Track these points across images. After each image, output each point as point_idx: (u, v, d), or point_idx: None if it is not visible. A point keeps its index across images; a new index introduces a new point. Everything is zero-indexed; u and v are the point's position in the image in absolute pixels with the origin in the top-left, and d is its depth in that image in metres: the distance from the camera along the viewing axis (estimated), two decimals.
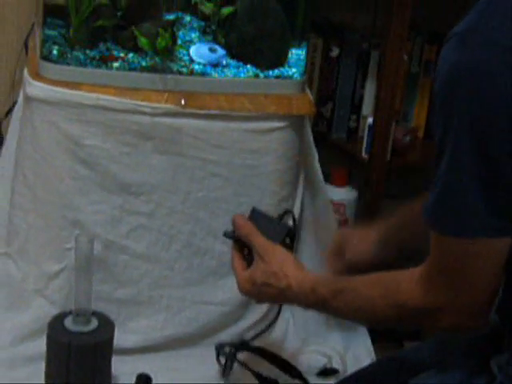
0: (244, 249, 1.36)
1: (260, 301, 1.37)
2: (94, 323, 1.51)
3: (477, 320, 1.04)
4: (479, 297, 1.02)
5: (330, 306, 1.20)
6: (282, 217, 1.41)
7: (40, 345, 1.56)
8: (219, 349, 1.62)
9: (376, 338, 1.86)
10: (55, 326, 1.51)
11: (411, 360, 1.31)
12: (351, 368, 1.64)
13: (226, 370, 1.61)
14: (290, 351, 1.77)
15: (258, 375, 1.63)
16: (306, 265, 1.75)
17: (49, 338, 1.50)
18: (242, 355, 1.62)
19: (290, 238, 1.38)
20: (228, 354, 1.60)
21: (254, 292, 1.31)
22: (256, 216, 1.38)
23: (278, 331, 1.80)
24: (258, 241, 1.32)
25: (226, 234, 1.39)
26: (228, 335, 1.75)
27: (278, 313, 1.52)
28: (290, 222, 1.44)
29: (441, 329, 1.09)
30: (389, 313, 1.11)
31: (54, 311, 1.60)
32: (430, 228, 1.02)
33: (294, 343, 1.81)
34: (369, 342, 1.83)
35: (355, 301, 1.16)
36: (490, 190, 0.97)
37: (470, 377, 1.11)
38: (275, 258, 1.29)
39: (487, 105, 0.94)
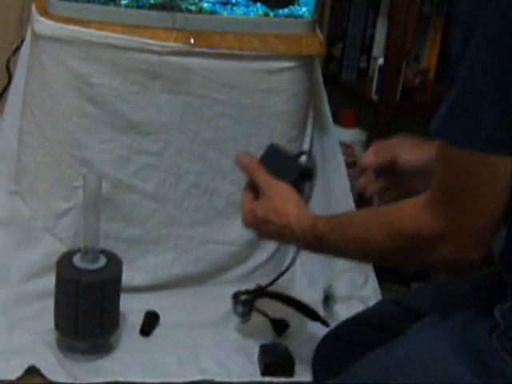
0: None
1: (261, 236, 1.36)
2: (103, 261, 1.52)
3: (478, 250, 1.01)
4: (482, 222, 1.00)
5: (327, 242, 1.19)
6: (297, 156, 1.38)
7: (49, 282, 1.57)
8: (236, 297, 1.62)
9: (383, 278, 1.87)
10: (64, 264, 1.52)
11: (413, 303, 1.31)
12: (358, 308, 1.65)
13: (244, 317, 1.62)
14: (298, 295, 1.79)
15: (271, 319, 1.64)
16: (314, 205, 1.77)
17: (57, 275, 1.51)
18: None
19: (302, 179, 1.35)
20: (245, 301, 1.60)
21: (255, 225, 1.31)
22: (271, 153, 1.36)
23: (285, 277, 1.81)
24: (262, 177, 1.31)
25: None
26: (235, 275, 1.76)
27: (295, 258, 1.51)
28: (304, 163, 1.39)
29: (439, 261, 1.07)
30: (387, 243, 1.09)
31: (63, 249, 1.61)
32: (439, 137, 0.99)
33: (302, 288, 1.82)
34: (375, 282, 1.84)
35: (352, 232, 1.15)
36: (507, 106, 0.94)
37: (473, 323, 1.11)
38: (278, 195, 1.28)
39: None
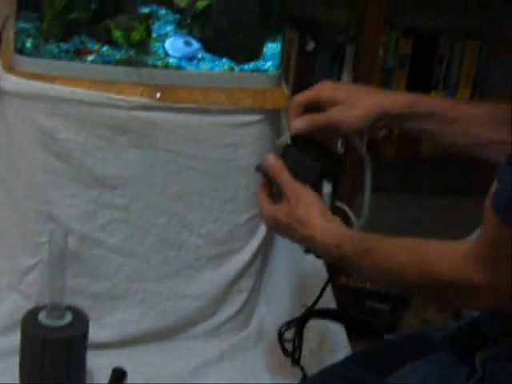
0: (273, 185, 1.30)
1: (282, 236, 1.32)
2: (69, 317, 1.51)
3: (509, 303, 1.02)
4: None
5: (353, 264, 1.16)
6: (316, 157, 1.32)
7: (14, 339, 1.55)
8: (282, 332, 1.48)
9: (353, 330, 1.87)
10: (29, 321, 1.50)
11: (387, 355, 1.31)
12: (327, 361, 1.64)
13: (294, 354, 1.48)
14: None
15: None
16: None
17: (23, 332, 1.50)
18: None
19: (320, 181, 1.30)
20: (295, 332, 1.46)
21: (278, 230, 1.27)
22: (289, 153, 1.31)
23: (254, 324, 1.80)
24: (286, 181, 1.25)
25: (258, 169, 1.33)
26: (203, 329, 1.75)
27: (330, 277, 1.41)
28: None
29: (474, 306, 1.07)
30: (419, 281, 1.08)
31: (28, 305, 1.59)
32: (499, 217, 0.97)
33: (270, 336, 1.81)
34: (345, 335, 1.84)
35: (382, 264, 1.12)
36: None
37: (451, 370, 1.11)
38: (301, 203, 1.23)
39: None
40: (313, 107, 1.32)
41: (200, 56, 1.68)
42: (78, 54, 1.62)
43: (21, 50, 1.61)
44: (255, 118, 1.68)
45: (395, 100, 1.30)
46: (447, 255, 1.05)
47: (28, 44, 1.61)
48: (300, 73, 2.14)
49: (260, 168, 1.33)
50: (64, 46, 1.61)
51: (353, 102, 1.29)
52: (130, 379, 1.62)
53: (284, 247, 1.82)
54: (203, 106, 1.64)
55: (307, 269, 1.80)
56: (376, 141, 2.10)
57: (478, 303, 1.04)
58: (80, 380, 1.52)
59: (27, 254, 1.65)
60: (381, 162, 2.24)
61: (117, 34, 1.61)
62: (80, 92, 1.59)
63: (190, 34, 1.71)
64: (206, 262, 1.73)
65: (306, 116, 1.30)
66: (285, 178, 1.26)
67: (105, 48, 1.63)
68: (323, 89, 1.33)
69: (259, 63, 1.71)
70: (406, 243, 1.13)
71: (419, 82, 2.20)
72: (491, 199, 0.98)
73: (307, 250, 1.30)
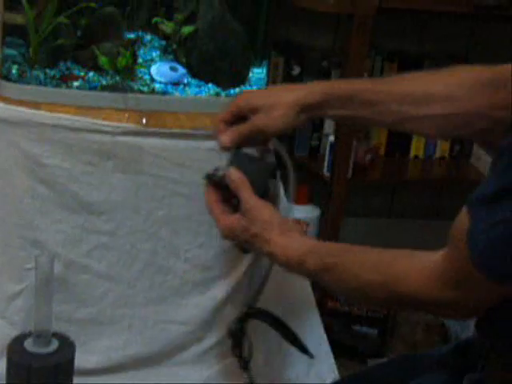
0: (221, 191, 1.32)
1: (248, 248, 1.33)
2: (55, 344, 1.50)
3: (476, 315, 1.06)
4: (485, 305, 1.03)
5: (319, 279, 1.17)
6: (262, 156, 1.36)
7: None
8: (232, 332, 1.49)
9: (339, 354, 1.87)
10: (15, 348, 1.49)
11: (375, 380, 1.30)
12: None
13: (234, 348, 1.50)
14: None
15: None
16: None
17: (9, 359, 1.48)
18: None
19: (271, 180, 1.34)
20: (238, 329, 1.48)
21: (235, 242, 1.29)
22: (239, 157, 1.33)
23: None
24: (245, 196, 1.27)
25: (207, 177, 1.35)
26: (190, 355, 1.74)
27: (268, 273, 1.42)
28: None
29: (435, 315, 1.09)
30: (385, 299, 1.11)
31: (14, 332, 1.57)
32: (478, 268, 0.98)
33: (257, 361, 1.80)
34: (332, 359, 1.83)
35: (349, 282, 1.13)
36: None
37: None
38: (259, 218, 1.24)
39: None
40: (240, 120, 1.34)
41: (186, 81, 1.69)
42: (64, 80, 1.62)
43: (7, 77, 1.61)
44: None
45: (311, 90, 1.32)
46: (413, 275, 1.06)
47: (14, 70, 1.61)
48: None
49: (210, 177, 1.34)
50: (50, 72, 1.62)
51: (271, 104, 1.31)
52: None
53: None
54: (189, 131, 1.65)
55: (295, 294, 1.80)
56: (362, 166, 2.12)
57: (446, 316, 1.07)
58: None
59: (13, 280, 1.65)
60: (366, 187, 2.25)
61: (102, 60, 1.62)
62: (66, 118, 1.59)
63: (176, 59, 1.72)
64: (192, 287, 1.72)
65: (230, 129, 1.34)
66: (246, 194, 1.27)
67: (91, 74, 1.64)
68: (241, 99, 1.36)
69: (245, 88, 1.72)
70: (373, 260, 1.13)
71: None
72: (464, 234, 0.99)
73: (246, 251, 1.33)
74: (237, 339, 1.49)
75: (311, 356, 1.54)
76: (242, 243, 1.29)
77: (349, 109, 1.30)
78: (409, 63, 2.19)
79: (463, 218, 0.99)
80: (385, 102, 1.28)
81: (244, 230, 1.25)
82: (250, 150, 1.36)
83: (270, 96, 1.34)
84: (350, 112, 1.30)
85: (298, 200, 2.12)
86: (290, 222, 1.28)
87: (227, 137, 1.34)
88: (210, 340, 1.76)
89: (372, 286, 1.10)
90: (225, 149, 1.35)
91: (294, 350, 1.80)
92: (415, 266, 1.07)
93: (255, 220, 1.24)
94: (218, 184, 1.34)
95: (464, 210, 1.00)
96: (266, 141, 1.38)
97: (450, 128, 1.26)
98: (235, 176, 1.30)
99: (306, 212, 2.14)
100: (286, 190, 1.37)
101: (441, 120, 1.26)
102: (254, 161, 1.34)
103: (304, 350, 1.56)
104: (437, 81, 1.28)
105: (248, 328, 1.49)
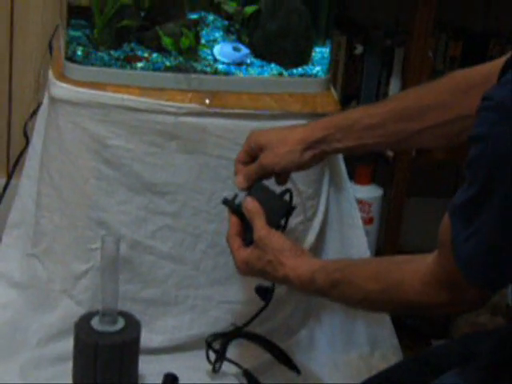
0: (242, 222, 1.37)
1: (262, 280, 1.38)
2: (121, 323, 1.52)
3: (479, 307, 1.08)
4: (481, 301, 1.05)
5: (329, 296, 1.22)
6: (282, 195, 1.41)
7: (67, 345, 1.56)
8: (210, 342, 1.61)
9: (403, 336, 1.85)
10: (82, 326, 1.51)
11: (437, 360, 1.30)
12: (379, 367, 1.63)
13: (215, 366, 1.61)
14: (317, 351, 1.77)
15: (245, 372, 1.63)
16: None
17: (76, 338, 1.51)
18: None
19: (286, 218, 1.39)
20: (219, 347, 1.60)
21: (252, 274, 1.33)
22: (259, 191, 1.38)
23: (304, 331, 1.80)
24: (258, 225, 1.31)
25: (225, 202, 1.40)
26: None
27: (269, 298, 1.49)
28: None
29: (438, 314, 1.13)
30: (389, 306, 1.16)
31: (81, 311, 1.60)
32: (462, 273, 1.01)
33: (321, 342, 1.80)
34: (396, 340, 1.82)
35: (354, 294, 1.17)
36: None
37: (493, 378, 1.11)
38: (271, 246, 1.28)
39: None
40: (254, 159, 1.41)
41: (249, 61, 1.69)
42: (128, 61, 1.63)
43: (72, 58, 1.62)
44: (304, 122, 1.67)
45: (314, 127, 1.38)
46: (409, 280, 1.09)
47: (79, 52, 1.62)
48: (348, 77, 2.13)
49: (228, 203, 1.40)
50: (114, 53, 1.63)
51: (277, 142, 1.37)
52: None
53: (334, 252, 1.81)
54: (252, 112, 1.64)
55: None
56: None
57: (448, 312, 1.10)
58: None
59: (79, 260, 1.67)
60: (430, 166, 2.22)
61: (166, 41, 1.62)
62: (130, 99, 1.60)
63: (239, 39, 1.71)
64: None
65: (241, 172, 1.41)
66: (259, 224, 1.32)
67: (154, 55, 1.64)
68: (250, 139, 1.42)
69: (308, 68, 1.71)
70: (373, 269, 1.17)
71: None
72: (449, 241, 1.00)
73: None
74: (218, 356, 1.61)
75: (298, 372, 1.65)
76: (258, 275, 1.32)
77: (351, 138, 1.34)
78: (474, 41, 2.15)
79: (446, 223, 1.01)
80: (382, 124, 1.31)
81: (258, 259, 1.29)
82: (270, 185, 1.42)
83: (276, 134, 1.40)
84: (354, 141, 1.34)
85: (360, 180, 2.10)
86: (300, 247, 1.33)
87: (240, 178, 1.40)
88: (274, 320, 1.76)
89: (374, 295, 1.13)
90: (241, 189, 1.41)
91: (357, 331, 1.81)
92: (411, 271, 1.10)
93: (267, 247, 1.29)
94: (235, 211, 1.38)
95: (446, 217, 1.02)
96: (283, 178, 1.43)
97: (450, 136, 1.26)
98: (251, 205, 1.35)
99: (369, 192, 2.12)
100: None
101: (439, 130, 1.26)
102: (273, 195, 1.39)
103: (292, 366, 1.65)
104: (429, 91, 1.29)
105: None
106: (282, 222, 1.39)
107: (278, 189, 1.43)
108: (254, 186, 1.39)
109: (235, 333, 1.63)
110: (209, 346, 1.62)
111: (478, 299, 1.05)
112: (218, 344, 1.62)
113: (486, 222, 0.96)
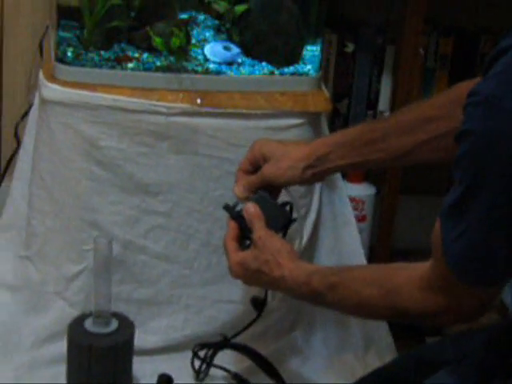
0: (240, 229, 1.37)
1: (250, 285, 1.38)
2: (114, 324, 1.51)
3: (479, 314, 1.06)
4: (483, 300, 1.04)
5: (324, 300, 1.21)
6: (283, 206, 1.41)
7: (61, 347, 1.56)
8: (196, 351, 1.61)
9: (397, 334, 1.85)
10: (75, 328, 1.51)
11: (431, 357, 1.30)
12: (373, 365, 1.63)
13: (200, 375, 1.62)
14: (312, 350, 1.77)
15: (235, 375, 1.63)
16: (325, 262, 1.76)
17: (69, 340, 1.51)
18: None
19: (285, 229, 1.40)
20: (204, 356, 1.60)
21: (246, 277, 1.32)
22: (261, 199, 1.38)
23: (298, 331, 1.80)
24: (257, 226, 1.32)
25: (226, 208, 1.40)
26: (249, 334, 1.74)
27: (262, 309, 1.51)
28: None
29: (438, 324, 1.11)
30: (386, 313, 1.15)
31: (74, 313, 1.60)
32: (454, 272, 1.01)
33: (315, 342, 1.80)
34: (390, 338, 1.82)
35: (351, 298, 1.17)
36: None
37: (489, 374, 1.11)
38: (270, 246, 1.28)
39: None
40: (257, 169, 1.41)
41: (240, 60, 1.68)
42: (119, 61, 1.63)
43: (62, 59, 1.62)
44: (296, 121, 1.67)
45: (316, 144, 1.38)
46: (406, 287, 1.09)
47: (69, 53, 1.62)
48: (339, 75, 2.13)
49: (229, 209, 1.40)
50: (105, 54, 1.62)
51: (280, 155, 1.38)
52: None
53: (327, 251, 1.81)
54: (244, 111, 1.64)
55: None
56: None
57: (445, 323, 1.09)
58: None
59: (72, 262, 1.66)
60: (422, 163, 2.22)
61: (156, 41, 1.62)
62: (121, 99, 1.60)
63: (229, 38, 1.71)
64: None
65: (241, 181, 1.41)
66: (258, 225, 1.32)
67: (145, 55, 1.64)
68: (254, 148, 1.42)
69: (299, 66, 1.71)
70: (371, 275, 1.17)
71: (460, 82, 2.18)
72: (440, 244, 1.01)
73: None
74: (204, 365, 1.61)
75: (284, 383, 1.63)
76: (252, 276, 1.31)
77: (353, 154, 1.34)
78: (465, 38, 2.15)
79: (438, 227, 1.01)
80: (384, 138, 1.31)
81: (255, 259, 1.29)
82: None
83: (280, 147, 1.40)
84: (356, 158, 1.34)
85: (353, 178, 2.10)
86: (297, 253, 1.32)
87: (240, 188, 1.41)
88: (268, 319, 1.76)
89: (372, 300, 1.13)
90: (240, 199, 1.41)
91: (352, 331, 1.81)
92: (408, 278, 1.09)
93: (266, 247, 1.29)
94: (235, 217, 1.39)
95: (438, 220, 1.02)
96: (278, 190, 1.43)
97: (450, 148, 1.26)
98: (251, 209, 1.35)
99: (361, 190, 2.12)
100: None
101: (439, 141, 1.25)
102: (274, 205, 1.39)
103: (279, 378, 1.63)
104: (432, 104, 1.29)
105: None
106: (281, 234, 1.39)
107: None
108: (256, 194, 1.39)
109: (222, 343, 1.63)
110: (195, 354, 1.62)
111: (475, 306, 1.04)
112: (203, 353, 1.63)
113: (474, 218, 0.96)
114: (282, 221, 1.39)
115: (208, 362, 1.62)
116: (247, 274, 1.31)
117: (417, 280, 1.07)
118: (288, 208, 1.42)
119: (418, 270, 1.08)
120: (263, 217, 1.34)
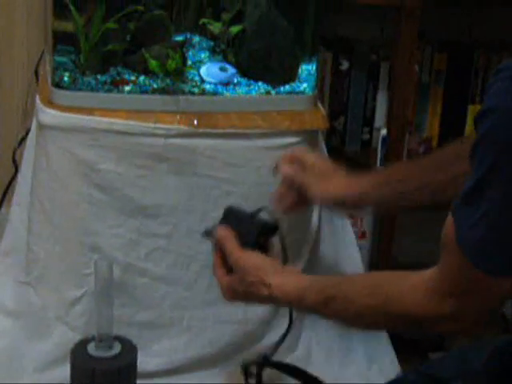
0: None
1: (246, 304, 1.37)
2: (117, 348, 1.51)
3: (482, 323, 1.04)
4: (488, 306, 1.02)
5: (321, 314, 1.19)
6: (255, 214, 1.37)
7: (64, 372, 1.55)
8: (246, 369, 1.59)
9: (400, 349, 1.85)
10: (78, 353, 1.50)
11: (436, 373, 1.29)
12: (377, 382, 1.62)
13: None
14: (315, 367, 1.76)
15: None
16: None
17: (72, 364, 1.50)
18: (267, 373, 1.60)
19: (264, 236, 1.34)
20: (256, 373, 1.56)
21: (238, 299, 1.30)
22: (230, 215, 1.37)
23: (301, 348, 1.79)
24: (230, 247, 1.29)
25: (206, 234, 1.38)
26: (252, 354, 1.74)
27: (290, 325, 1.48)
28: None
29: (441, 332, 1.09)
30: (387, 321, 1.12)
31: (76, 337, 1.59)
32: (474, 264, 0.98)
33: (318, 358, 1.80)
34: (393, 354, 1.82)
35: (349, 309, 1.14)
36: None
37: None
38: (250, 266, 1.25)
39: None
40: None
41: (236, 81, 1.69)
42: (115, 85, 1.63)
43: (58, 84, 1.62)
44: (293, 139, 1.67)
45: (360, 183, 1.39)
46: (408, 294, 1.07)
47: (65, 78, 1.62)
48: (335, 93, 2.14)
49: (208, 234, 1.37)
50: (101, 77, 1.63)
51: (329, 177, 1.40)
52: None
53: (327, 267, 1.81)
54: (241, 131, 1.65)
55: None
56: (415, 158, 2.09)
57: (446, 330, 1.07)
58: None
59: (73, 286, 1.66)
60: None
61: (152, 64, 1.62)
62: (118, 123, 1.60)
63: (225, 59, 1.72)
64: None
65: (293, 165, 1.42)
66: (230, 247, 1.29)
67: (141, 78, 1.64)
68: (309, 154, 1.46)
69: (295, 85, 1.72)
70: (368, 284, 1.15)
71: (455, 97, 2.18)
72: (453, 237, 0.99)
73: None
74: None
75: None
76: (244, 298, 1.29)
77: (389, 194, 1.36)
78: (459, 53, 2.16)
79: (449, 224, 1.00)
80: (419, 177, 1.33)
81: (240, 282, 1.26)
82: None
83: (330, 169, 1.43)
84: (392, 198, 1.36)
85: None
86: (279, 262, 1.29)
87: (290, 169, 1.44)
88: (270, 338, 1.75)
89: (369, 310, 1.11)
90: (284, 175, 1.45)
91: (354, 347, 1.80)
92: (409, 285, 1.08)
93: (245, 269, 1.26)
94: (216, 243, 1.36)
95: (449, 217, 1.00)
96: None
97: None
98: (220, 233, 1.32)
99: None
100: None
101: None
102: (244, 216, 1.36)
103: None
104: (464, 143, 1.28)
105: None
106: (257, 245, 1.33)
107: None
108: (224, 212, 1.37)
109: (267, 362, 1.57)
110: (246, 372, 1.55)
111: (480, 310, 1.02)
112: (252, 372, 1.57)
113: (496, 199, 0.93)
114: (255, 229, 1.34)
115: (259, 378, 1.58)
116: (238, 297, 1.29)
117: (421, 285, 1.05)
118: (261, 214, 1.37)
119: (422, 275, 1.06)
120: (232, 235, 1.30)
